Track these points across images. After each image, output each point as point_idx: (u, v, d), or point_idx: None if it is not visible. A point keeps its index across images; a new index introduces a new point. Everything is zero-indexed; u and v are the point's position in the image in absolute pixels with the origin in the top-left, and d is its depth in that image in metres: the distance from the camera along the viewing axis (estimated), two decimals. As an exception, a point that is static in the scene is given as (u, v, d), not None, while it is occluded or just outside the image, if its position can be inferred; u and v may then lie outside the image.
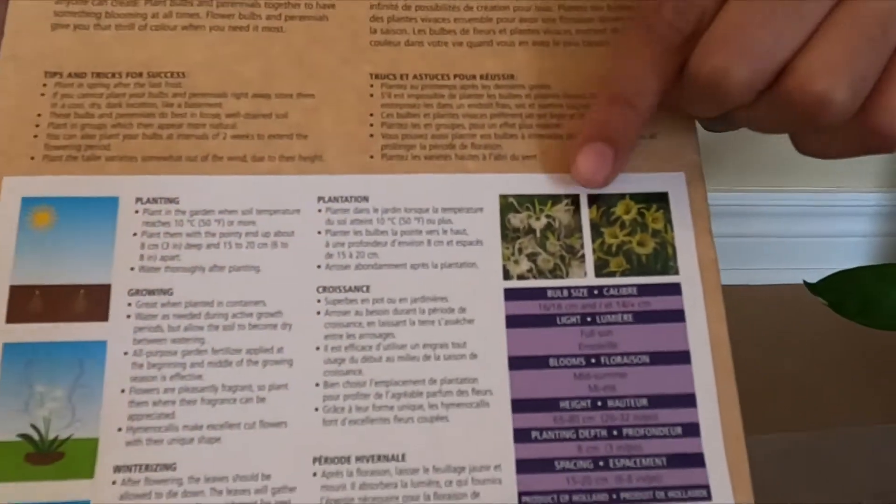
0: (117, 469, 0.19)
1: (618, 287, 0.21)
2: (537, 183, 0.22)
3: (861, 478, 0.75)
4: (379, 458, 0.20)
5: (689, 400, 0.20)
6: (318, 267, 0.21)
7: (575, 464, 0.20)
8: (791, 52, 0.19)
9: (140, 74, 0.22)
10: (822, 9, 0.19)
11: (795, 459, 0.81)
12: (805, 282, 0.49)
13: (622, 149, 0.21)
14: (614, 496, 0.20)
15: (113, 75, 0.22)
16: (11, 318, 0.20)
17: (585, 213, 0.22)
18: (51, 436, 0.19)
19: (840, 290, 0.47)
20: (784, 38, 0.19)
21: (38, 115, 0.22)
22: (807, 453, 0.81)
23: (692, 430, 0.20)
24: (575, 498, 0.20)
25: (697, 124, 0.23)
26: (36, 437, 0.19)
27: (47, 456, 0.19)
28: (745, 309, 0.92)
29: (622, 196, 0.22)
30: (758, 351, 0.89)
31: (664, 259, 0.22)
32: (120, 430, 0.19)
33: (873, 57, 0.18)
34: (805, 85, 0.18)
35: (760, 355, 0.88)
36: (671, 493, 0.20)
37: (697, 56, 0.19)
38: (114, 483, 0.19)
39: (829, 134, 0.20)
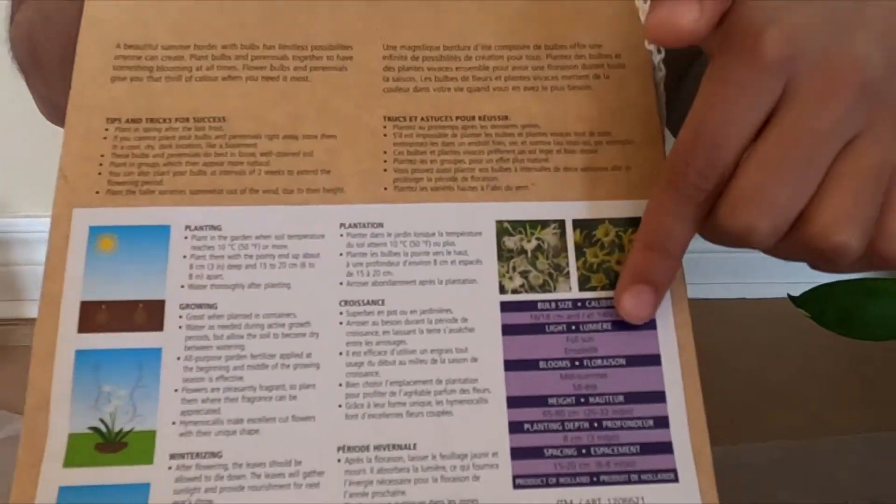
0: (172, 456, 0.22)
1: (598, 300, 0.25)
2: (528, 210, 0.25)
3: (850, 485, 0.77)
4: (394, 447, 0.23)
5: (659, 396, 0.23)
6: (341, 284, 0.24)
7: (561, 451, 0.23)
8: (805, 203, 0.21)
9: (187, 119, 0.26)
10: (828, 161, 0.21)
11: (789, 466, 0.83)
12: (789, 295, 0.52)
13: (661, 289, 0.24)
14: (595, 479, 0.23)
15: (164, 121, 0.26)
16: (82, 328, 0.23)
17: (570, 236, 0.25)
18: (116, 428, 0.23)
19: (820, 302, 0.49)
20: (799, 192, 0.21)
21: (102, 155, 0.25)
22: (800, 460, 0.83)
23: (662, 422, 0.23)
24: (562, 480, 0.23)
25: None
26: (104, 429, 0.22)
27: (113, 445, 0.22)
28: (741, 322, 0.94)
29: (602, 221, 0.25)
30: (753, 362, 0.92)
31: (639, 276, 0.25)
32: (174, 423, 0.23)
33: (875, 200, 0.21)
34: (824, 236, 0.21)
35: (756, 366, 0.91)
36: (644, 476, 0.23)
37: (724, 214, 0.21)
38: (169, 468, 0.22)
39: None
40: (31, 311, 0.92)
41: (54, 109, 0.52)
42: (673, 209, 0.22)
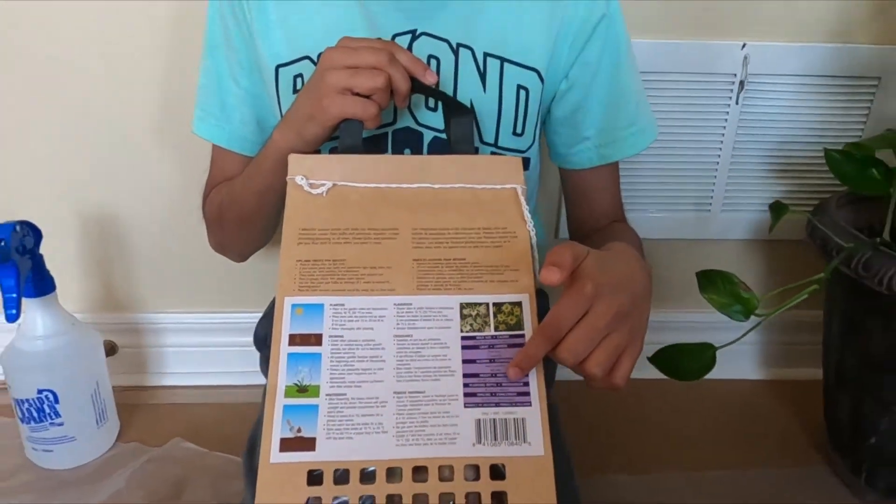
0: (327, 395, 0.52)
1: (503, 335, 0.54)
2: (473, 298, 0.55)
3: None
4: (417, 392, 0.52)
5: (526, 375, 0.53)
6: (394, 328, 0.54)
7: (483, 394, 0.52)
8: (587, 354, 0.48)
9: (329, 261, 0.56)
10: (600, 339, 0.48)
11: (688, 495, 1.06)
12: (648, 357, 0.81)
13: (527, 370, 0.50)
14: (496, 405, 0.51)
15: (319, 261, 0.56)
16: (290, 344, 0.53)
17: (491, 309, 0.56)
18: (304, 384, 0.52)
19: (662, 359, 0.79)
20: (586, 350, 0.47)
21: (295, 276, 0.56)
22: (698, 489, 1.06)
23: (526, 385, 0.53)
24: (483, 404, 0.51)
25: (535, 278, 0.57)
26: (299, 383, 0.52)
27: (303, 390, 0.52)
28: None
29: (504, 303, 0.56)
30: (666, 413, 1.18)
31: (518, 325, 0.55)
32: (327, 382, 0.52)
33: (611, 361, 0.48)
34: (588, 369, 0.48)
35: (667, 416, 1.17)
36: (517, 403, 0.52)
37: (558, 352, 0.47)
38: (325, 399, 0.51)
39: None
40: (153, 381, 1.20)
41: (222, 248, 0.84)
42: (538, 345, 0.49)
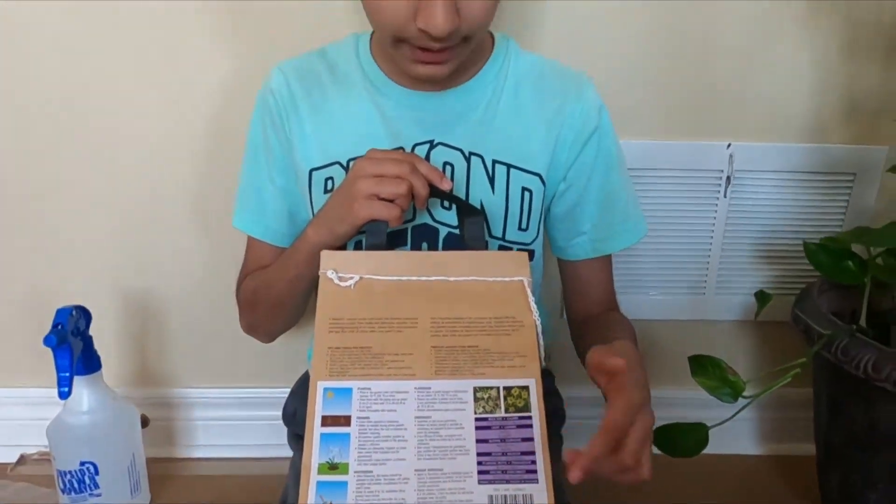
0: (355, 472, 0.56)
1: (513, 417, 0.59)
2: (486, 382, 0.61)
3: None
4: (435, 470, 0.56)
5: (533, 454, 0.57)
6: (416, 409, 0.59)
7: (496, 471, 0.56)
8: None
9: (357, 348, 0.62)
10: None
11: None
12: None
13: (590, 472, 0.51)
14: (507, 480, 0.56)
15: (348, 349, 0.62)
16: (322, 425, 0.58)
17: (502, 393, 0.60)
18: (335, 462, 0.56)
19: (660, 438, 0.83)
20: (643, 452, 0.53)
21: (326, 361, 0.61)
22: None
23: (533, 462, 0.57)
24: (495, 481, 0.55)
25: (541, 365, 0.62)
26: (331, 461, 0.57)
27: (334, 468, 0.56)
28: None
29: (513, 387, 0.61)
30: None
31: (526, 407, 0.60)
32: (355, 460, 0.57)
33: (646, 443, 0.55)
34: (644, 471, 0.54)
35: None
36: (525, 480, 0.56)
37: (623, 454, 0.52)
38: (353, 476, 0.56)
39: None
40: (183, 453, 1.24)
41: (252, 329, 0.89)
42: (603, 446, 0.52)
